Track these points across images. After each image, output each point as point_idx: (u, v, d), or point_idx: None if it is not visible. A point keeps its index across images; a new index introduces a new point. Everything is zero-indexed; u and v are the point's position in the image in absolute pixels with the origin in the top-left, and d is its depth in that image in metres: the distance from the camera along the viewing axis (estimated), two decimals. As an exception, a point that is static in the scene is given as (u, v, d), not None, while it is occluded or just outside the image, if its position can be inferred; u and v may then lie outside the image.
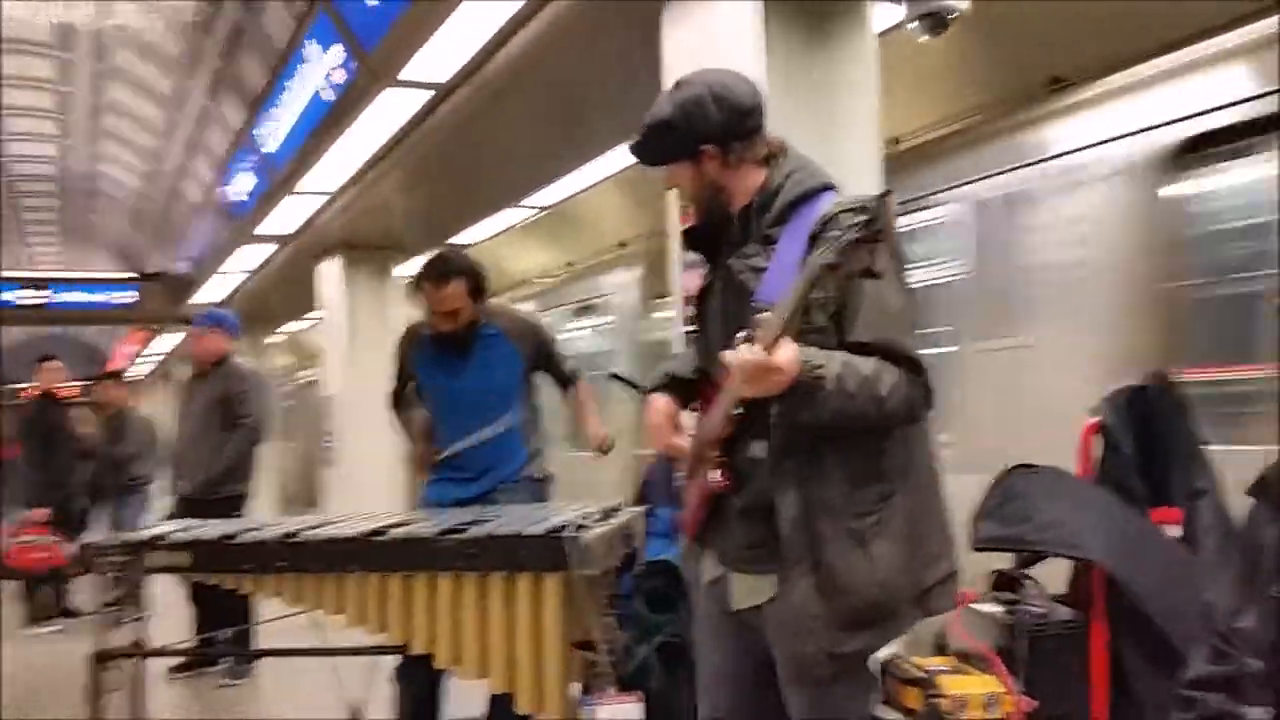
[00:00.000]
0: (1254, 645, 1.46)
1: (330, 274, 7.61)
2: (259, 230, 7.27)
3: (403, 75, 4.19)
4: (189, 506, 5.12)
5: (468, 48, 3.93)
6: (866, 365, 1.87)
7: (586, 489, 3.57)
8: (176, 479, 5.51)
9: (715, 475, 2.07)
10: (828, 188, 2.09)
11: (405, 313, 7.75)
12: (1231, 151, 3.42)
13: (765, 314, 1.85)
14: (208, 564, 2.88)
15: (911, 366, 1.92)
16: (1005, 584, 2.28)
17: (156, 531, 3.09)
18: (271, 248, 7.91)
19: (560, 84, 4.41)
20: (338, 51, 4.39)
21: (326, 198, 6.19)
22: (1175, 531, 2.18)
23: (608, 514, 2.78)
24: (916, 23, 3.37)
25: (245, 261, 8.59)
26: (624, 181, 6.35)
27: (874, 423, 1.92)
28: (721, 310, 2.16)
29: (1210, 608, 1.58)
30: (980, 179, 4.23)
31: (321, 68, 4.56)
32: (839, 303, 1.91)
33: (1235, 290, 3.50)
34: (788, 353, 1.79)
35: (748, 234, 2.09)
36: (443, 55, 4.02)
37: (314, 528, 2.87)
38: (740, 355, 1.80)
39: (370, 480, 7.02)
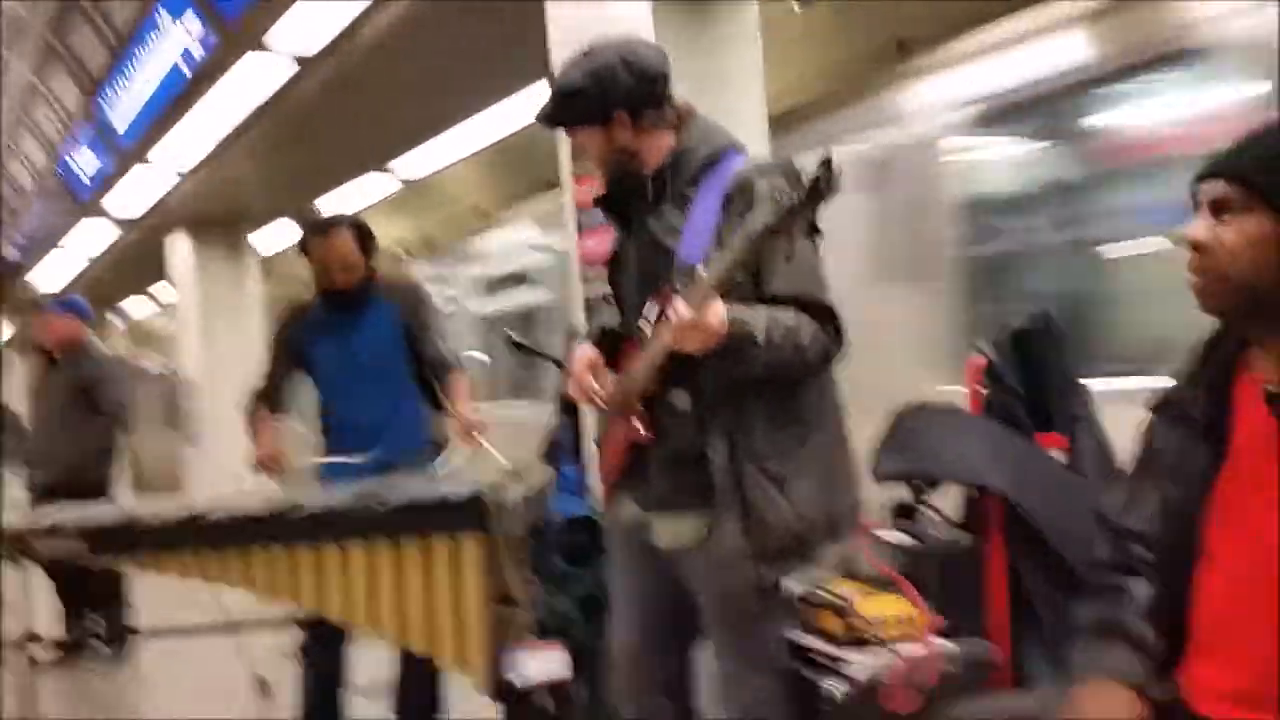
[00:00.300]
0: (1144, 538, 1.62)
1: (180, 251, 7.32)
2: (104, 210, 6.92)
3: (266, 44, 4.06)
4: (49, 497, 4.88)
5: (336, 18, 3.85)
6: (789, 318, 1.97)
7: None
8: (32, 470, 5.23)
9: (639, 426, 2.14)
10: (735, 149, 2.17)
11: (260, 288, 7.58)
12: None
13: (697, 272, 1.92)
14: (106, 548, 2.78)
15: (826, 316, 2.03)
16: (906, 513, 2.45)
17: (53, 519, 2.95)
18: (114, 228, 7.53)
19: (428, 54, 4.35)
20: (193, 21, 4.21)
21: (178, 175, 5.95)
22: (1061, 455, 2.38)
23: (518, 474, 2.83)
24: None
25: (86, 243, 8.15)
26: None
27: (797, 372, 2.02)
28: (639, 271, 2.22)
29: (1103, 510, 1.74)
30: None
31: (175, 38, 4.36)
32: (758, 258, 1.99)
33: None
34: (719, 311, 1.87)
35: (661, 196, 2.15)
36: (309, 25, 3.91)
37: (215, 508, 2.81)
38: (676, 313, 1.87)
39: (233, 461, 6.82)
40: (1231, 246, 1.39)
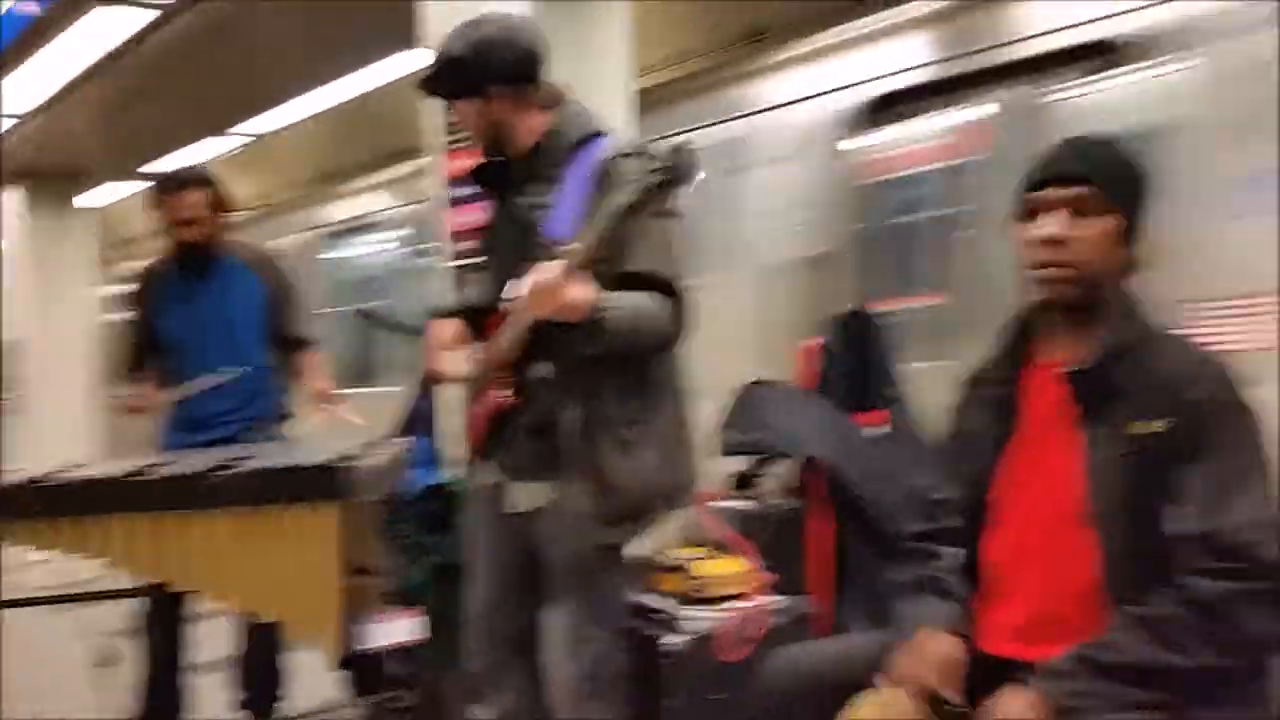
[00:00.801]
0: (953, 506, 1.85)
1: (8, 206, 6.95)
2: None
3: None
4: None
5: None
6: (642, 299, 2.11)
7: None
8: None
9: (505, 394, 2.25)
10: (603, 133, 2.30)
11: (94, 247, 7.27)
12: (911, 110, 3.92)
13: (565, 246, 2.04)
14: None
15: (672, 291, 2.18)
16: (744, 483, 2.66)
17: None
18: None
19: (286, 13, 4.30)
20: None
21: (13, 120, 5.67)
22: (883, 430, 2.62)
23: (373, 445, 2.89)
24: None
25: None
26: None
27: (647, 350, 2.17)
28: (509, 244, 2.32)
29: (916, 485, 1.97)
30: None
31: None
32: (617, 236, 2.12)
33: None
34: (584, 289, 2.00)
35: (532, 173, 2.26)
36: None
37: (62, 472, 2.78)
38: (537, 277, 1.99)
39: (61, 429, 6.56)
40: (1089, 241, 1.60)
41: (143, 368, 3.44)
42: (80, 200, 7.24)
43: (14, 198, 6.87)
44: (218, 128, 6.56)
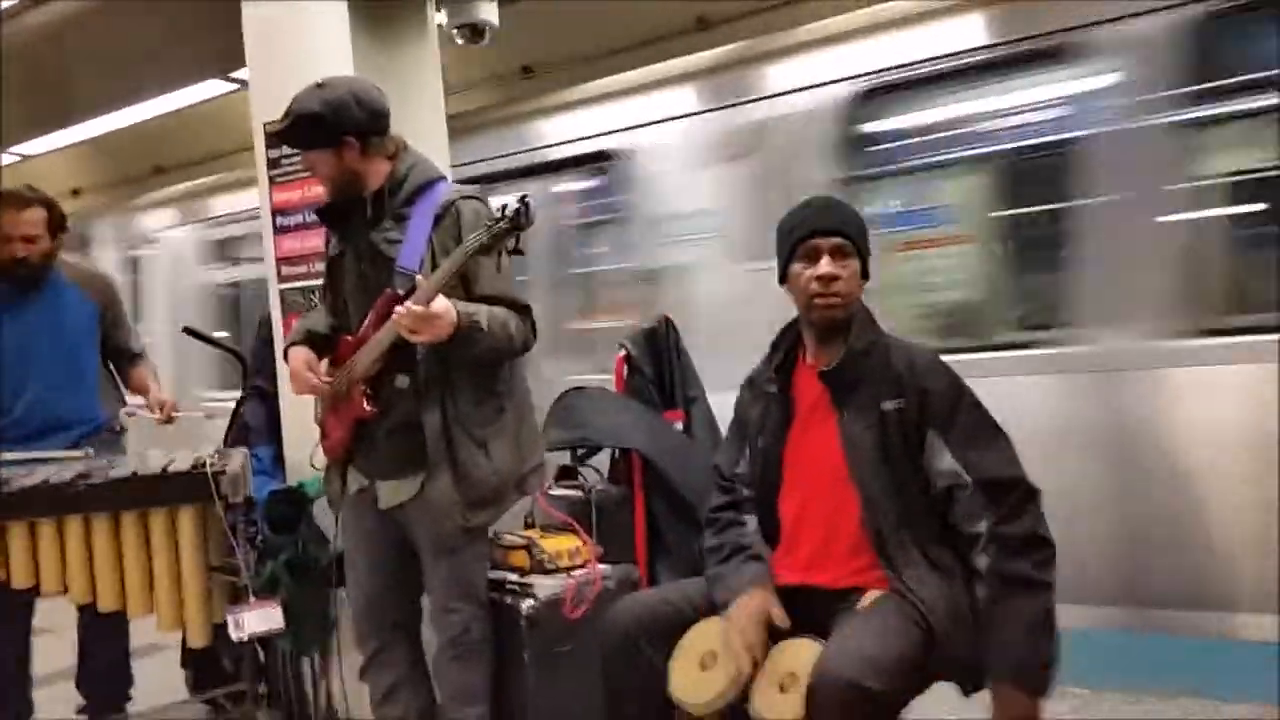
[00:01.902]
0: (746, 481, 2.34)
1: None
2: None
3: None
4: None
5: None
6: (501, 313, 2.48)
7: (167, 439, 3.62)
8: None
9: (365, 405, 2.55)
10: (442, 178, 2.65)
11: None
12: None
13: (418, 278, 2.38)
14: None
15: (524, 312, 2.56)
16: (569, 473, 3.06)
17: None
18: None
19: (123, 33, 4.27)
20: None
21: None
22: (679, 425, 3.10)
23: (221, 454, 3.07)
24: (455, 30, 3.97)
25: None
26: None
27: (506, 355, 2.53)
28: (357, 275, 2.62)
29: (717, 466, 2.45)
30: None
31: None
32: (469, 269, 2.47)
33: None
34: (445, 305, 2.35)
35: (380, 213, 2.58)
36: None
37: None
38: (409, 310, 2.32)
39: None
40: (848, 277, 2.15)
41: None
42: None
43: None
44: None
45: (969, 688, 2.04)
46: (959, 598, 2.02)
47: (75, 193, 9.46)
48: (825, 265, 2.14)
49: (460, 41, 3.99)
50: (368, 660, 2.68)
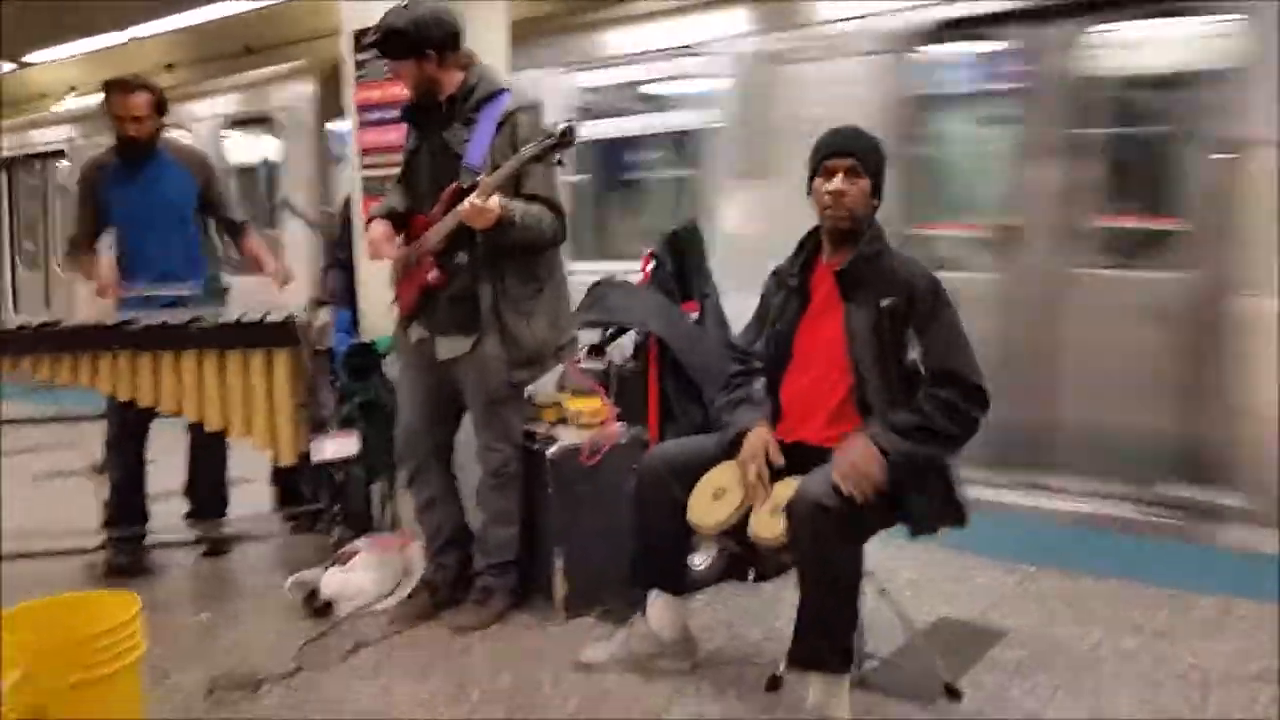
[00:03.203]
0: (760, 357, 2.78)
1: None
2: None
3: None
4: None
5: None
6: (536, 209, 2.96)
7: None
8: None
9: (433, 274, 3.05)
10: (506, 89, 3.10)
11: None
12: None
13: (482, 177, 2.86)
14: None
15: (559, 212, 3.03)
16: (598, 350, 3.55)
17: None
18: None
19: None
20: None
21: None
22: (694, 316, 3.57)
23: (311, 310, 3.61)
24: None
25: None
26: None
27: (539, 245, 3.02)
28: (430, 167, 3.11)
29: (733, 344, 2.90)
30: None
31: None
32: (521, 174, 2.94)
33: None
34: (496, 201, 2.83)
35: (452, 116, 3.05)
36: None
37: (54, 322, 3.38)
38: (470, 202, 2.81)
39: None
40: (855, 194, 2.54)
41: (94, 246, 3.99)
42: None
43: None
44: (90, 30, 6.75)
45: (916, 530, 2.48)
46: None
47: (169, 67, 10.06)
48: (837, 182, 2.55)
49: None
50: (410, 476, 3.26)
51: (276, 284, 3.97)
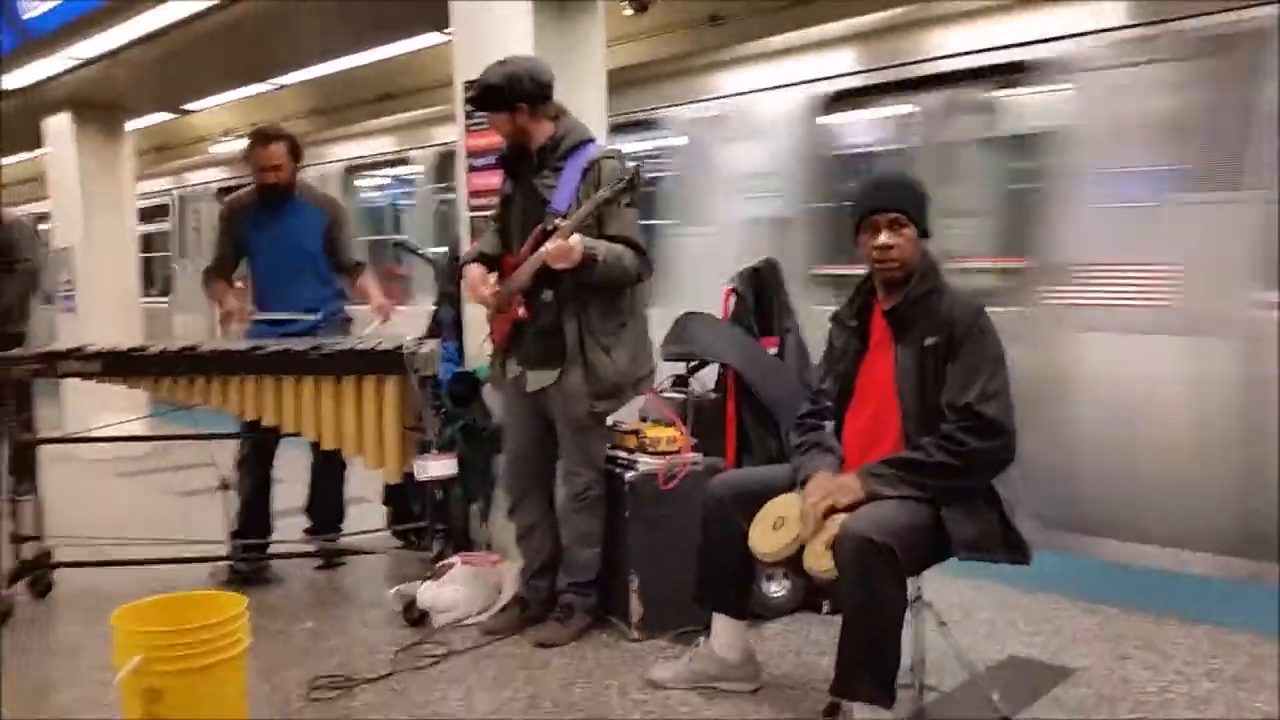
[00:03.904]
0: (828, 396, 2.87)
1: (59, 130, 7.64)
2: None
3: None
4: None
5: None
6: (618, 249, 3.13)
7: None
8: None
9: (521, 311, 3.26)
10: (592, 139, 3.29)
11: (131, 170, 8.01)
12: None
13: (561, 220, 3.06)
14: (116, 370, 3.66)
15: (640, 251, 3.19)
16: (681, 381, 3.69)
17: (72, 346, 3.79)
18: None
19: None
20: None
21: (74, 63, 6.39)
22: (774, 350, 3.67)
23: (418, 341, 3.87)
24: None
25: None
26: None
27: (624, 282, 3.19)
28: (522, 211, 3.32)
29: (807, 384, 3.00)
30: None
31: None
32: (600, 215, 3.13)
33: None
34: (577, 241, 3.02)
35: (542, 163, 3.26)
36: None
37: (193, 347, 3.73)
38: (553, 241, 3.00)
39: (105, 324, 7.28)
40: (903, 245, 2.62)
41: (229, 278, 4.38)
42: (123, 128, 7.91)
43: (63, 122, 7.55)
44: (248, 78, 7.37)
45: (962, 555, 2.50)
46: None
47: (316, 112, 10.77)
48: (883, 237, 2.63)
49: (628, 12, 4.57)
50: (513, 503, 3.45)
51: (378, 317, 4.24)
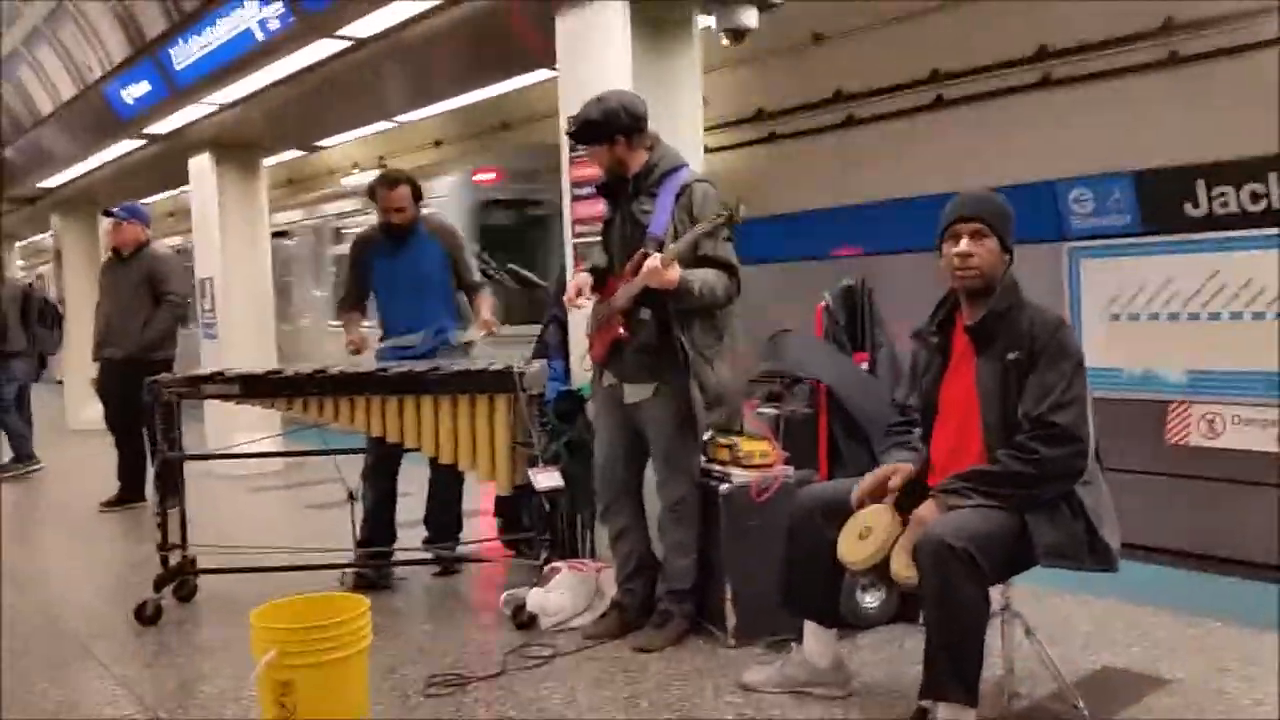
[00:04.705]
0: (915, 409, 2.96)
1: (202, 169, 8.23)
2: (139, 130, 7.83)
3: (337, 31, 5.15)
4: (121, 370, 6.01)
5: (393, 15, 4.93)
6: (711, 275, 3.28)
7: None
8: (104, 346, 6.32)
9: (620, 329, 3.44)
10: (684, 165, 3.47)
11: (266, 205, 8.57)
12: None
13: (665, 244, 3.23)
14: (253, 392, 3.99)
15: (733, 273, 3.34)
16: (775, 396, 3.81)
17: (214, 370, 4.16)
18: (140, 143, 8.41)
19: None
20: (277, 6, 5.23)
21: (215, 108, 6.92)
22: (865, 365, 3.76)
23: (527, 361, 4.09)
24: (722, 33, 4.71)
25: (106, 155, 9.01)
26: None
27: (717, 304, 3.34)
28: (621, 235, 3.51)
29: (894, 399, 3.10)
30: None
31: (255, 12, 5.37)
32: (698, 243, 3.28)
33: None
34: (675, 271, 3.18)
35: (638, 190, 3.44)
36: (370, 19, 5.00)
37: (323, 370, 4.03)
38: (651, 263, 3.18)
39: (243, 349, 7.78)
40: (983, 255, 2.70)
41: (358, 307, 4.71)
42: (260, 164, 8.49)
43: (204, 161, 8.15)
44: (372, 119, 7.87)
45: (1045, 560, 2.55)
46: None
47: (437, 144, 11.29)
48: (963, 245, 2.71)
49: (725, 42, 4.72)
50: (604, 509, 3.63)
51: (480, 332, 4.50)
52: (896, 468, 2.76)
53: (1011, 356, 2.65)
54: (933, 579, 2.46)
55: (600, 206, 3.98)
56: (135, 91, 7.22)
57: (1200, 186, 6.14)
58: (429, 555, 4.51)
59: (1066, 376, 2.59)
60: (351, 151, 11.85)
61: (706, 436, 3.60)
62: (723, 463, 3.58)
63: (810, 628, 2.99)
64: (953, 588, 2.43)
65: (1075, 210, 6.81)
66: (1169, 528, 5.77)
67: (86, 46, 7.69)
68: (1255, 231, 5.98)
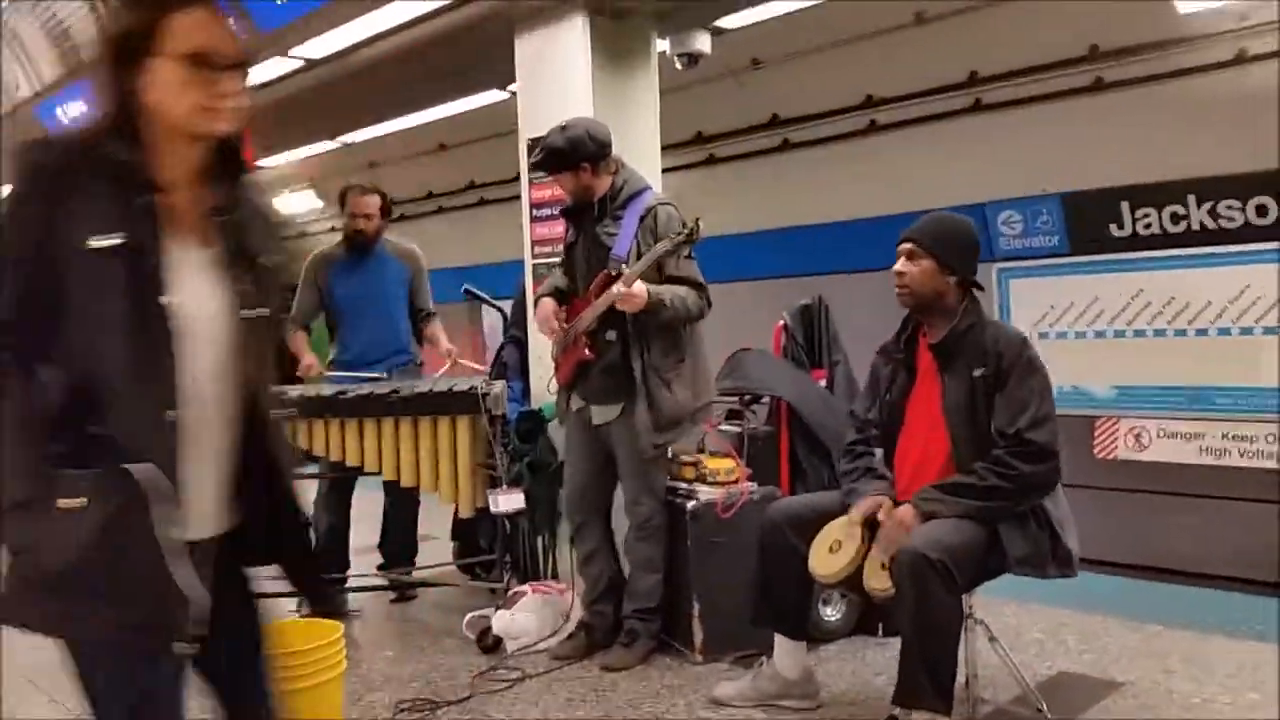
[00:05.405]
0: (875, 424, 3.04)
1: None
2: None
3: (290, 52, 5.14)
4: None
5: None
6: (680, 291, 3.32)
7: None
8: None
9: (585, 351, 3.46)
10: (648, 188, 3.51)
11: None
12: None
13: (626, 266, 3.26)
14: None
15: (700, 289, 3.39)
16: (735, 414, 3.87)
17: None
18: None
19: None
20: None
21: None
22: (823, 382, 3.84)
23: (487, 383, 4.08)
24: (675, 58, 4.79)
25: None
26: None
27: (689, 319, 3.38)
28: (584, 257, 3.54)
29: (853, 411, 3.17)
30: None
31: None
32: (662, 260, 3.33)
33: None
34: (641, 287, 3.22)
35: (603, 213, 3.47)
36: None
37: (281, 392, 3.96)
38: (618, 287, 3.21)
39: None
40: (917, 275, 2.80)
41: (308, 326, 4.61)
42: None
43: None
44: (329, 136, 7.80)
45: (1016, 569, 2.66)
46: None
47: (372, 165, 11.19)
48: (898, 264, 2.82)
49: (679, 66, 4.81)
50: (575, 531, 3.64)
51: (445, 361, 4.47)
52: (880, 501, 2.81)
53: (978, 373, 2.74)
54: (910, 590, 2.52)
55: (560, 228, 4.02)
56: (71, 111, 7.04)
57: (1125, 208, 6.41)
58: (385, 581, 4.46)
59: (1037, 393, 2.70)
60: (289, 171, 11.69)
61: (671, 455, 3.63)
62: (688, 481, 3.61)
63: (781, 641, 3.04)
64: (930, 598, 2.50)
65: (1005, 232, 7.05)
66: (1099, 540, 5.96)
67: (16, 65, 7.50)
68: (1177, 251, 6.27)
